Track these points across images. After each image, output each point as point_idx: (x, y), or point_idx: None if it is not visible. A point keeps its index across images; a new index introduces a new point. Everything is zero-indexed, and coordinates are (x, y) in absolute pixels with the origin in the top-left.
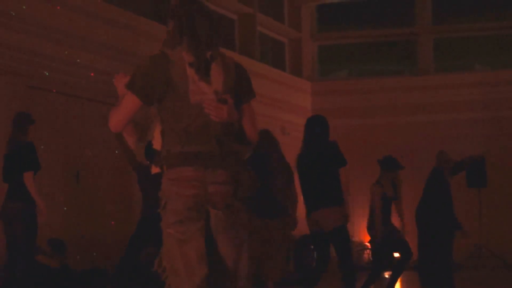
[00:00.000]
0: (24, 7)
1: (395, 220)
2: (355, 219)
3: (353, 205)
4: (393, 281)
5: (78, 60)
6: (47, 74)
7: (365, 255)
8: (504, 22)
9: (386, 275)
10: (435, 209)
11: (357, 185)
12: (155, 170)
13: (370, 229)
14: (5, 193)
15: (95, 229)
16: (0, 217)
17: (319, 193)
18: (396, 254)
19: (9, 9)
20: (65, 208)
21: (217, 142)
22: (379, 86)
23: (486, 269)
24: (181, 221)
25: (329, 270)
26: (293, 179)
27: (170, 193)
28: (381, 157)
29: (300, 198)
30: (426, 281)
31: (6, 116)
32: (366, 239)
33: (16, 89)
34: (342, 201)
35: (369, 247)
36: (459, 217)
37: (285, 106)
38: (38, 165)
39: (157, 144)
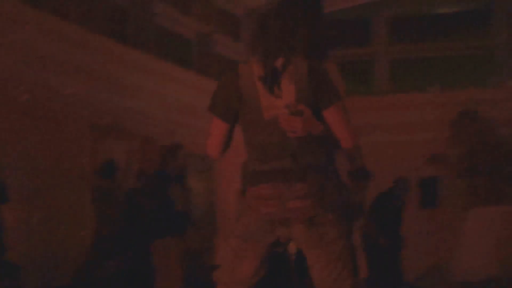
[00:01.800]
0: None
1: None
2: None
3: None
4: None
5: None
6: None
7: None
8: (456, 44)
9: None
10: (380, 231)
11: None
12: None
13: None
14: None
15: (50, 249)
16: None
17: None
18: None
19: None
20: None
21: (293, 157)
22: None
23: None
24: (245, 239)
25: None
26: None
27: (247, 208)
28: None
29: None
30: None
31: None
32: None
33: None
34: None
35: None
36: (411, 238)
37: None
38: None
39: None
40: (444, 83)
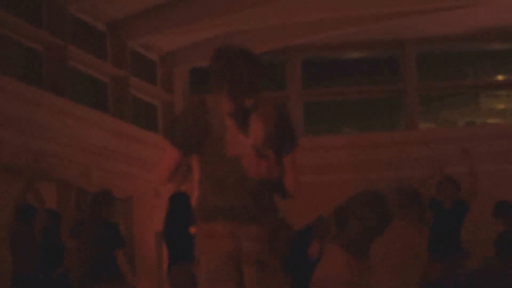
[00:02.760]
0: None
1: None
2: None
3: None
4: None
5: None
6: None
7: None
8: (367, 88)
9: None
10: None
11: None
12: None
13: None
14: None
15: None
16: None
17: None
18: None
19: None
20: None
21: (253, 197)
22: None
23: None
24: (211, 280)
25: None
26: None
27: (203, 250)
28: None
29: None
30: None
31: None
32: None
33: None
34: None
35: None
36: None
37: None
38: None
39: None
40: (357, 126)
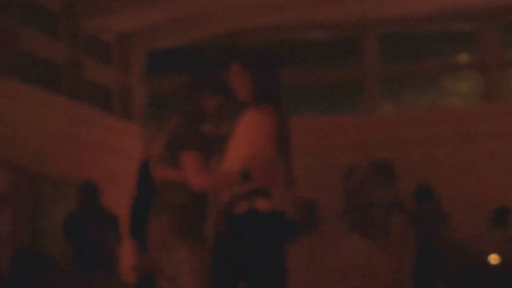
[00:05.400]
0: None
1: None
2: None
3: None
4: None
5: None
6: None
7: None
8: (327, 70)
9: None
10: None
11: None
12: None
13: None
14: None
15: None
16: None
17: None
18: None
19: None
20: None
21: (157, 196)
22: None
23: None
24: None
25: None
26: None
27: None
28: None
29: None
30: None
31: None
32: None
33: None
34: None
35: None
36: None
37: (112, 151)
38: None
39: None
40: (317, 109)
